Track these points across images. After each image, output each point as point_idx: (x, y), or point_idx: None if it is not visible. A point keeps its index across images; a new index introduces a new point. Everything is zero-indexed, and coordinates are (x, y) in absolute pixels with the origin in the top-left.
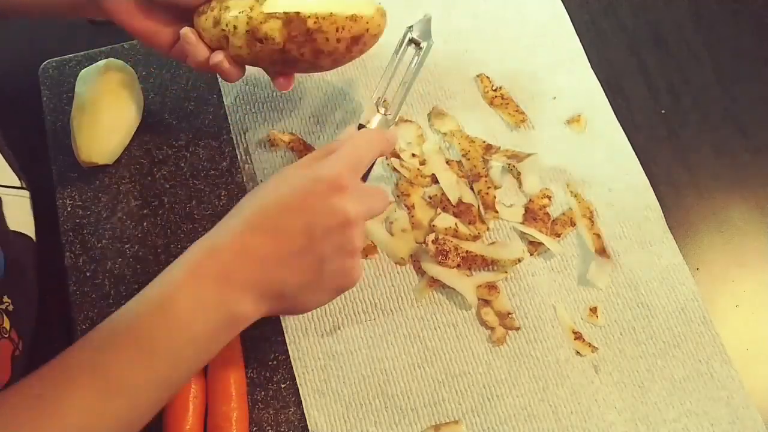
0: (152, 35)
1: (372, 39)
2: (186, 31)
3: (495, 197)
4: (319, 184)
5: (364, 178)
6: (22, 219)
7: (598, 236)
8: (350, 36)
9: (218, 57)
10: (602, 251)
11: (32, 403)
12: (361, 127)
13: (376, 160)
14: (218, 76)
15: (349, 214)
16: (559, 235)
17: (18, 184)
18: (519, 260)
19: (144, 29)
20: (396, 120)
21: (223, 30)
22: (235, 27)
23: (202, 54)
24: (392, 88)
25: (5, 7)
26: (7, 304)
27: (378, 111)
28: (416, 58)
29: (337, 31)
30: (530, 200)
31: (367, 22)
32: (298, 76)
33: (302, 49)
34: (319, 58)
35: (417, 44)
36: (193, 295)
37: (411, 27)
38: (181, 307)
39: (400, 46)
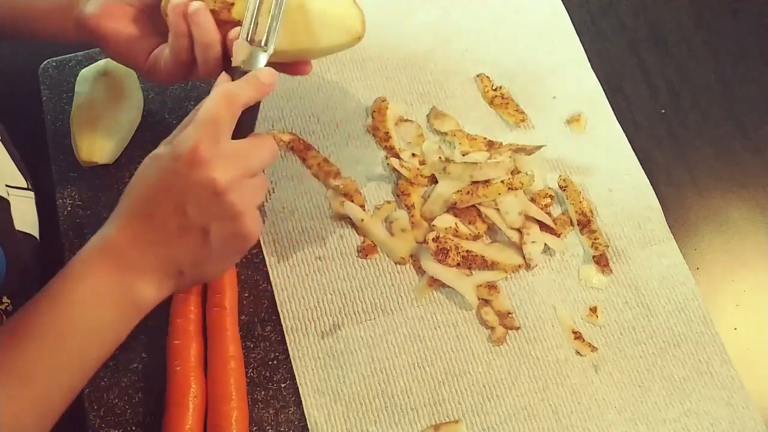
0: (133, 43)
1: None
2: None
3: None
4: (178, 162)
5: (250, 126)
6: (28, 219)
7: (598, 238)
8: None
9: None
10: (601, 259)
11: None
12: (233, 70)
13: (257, 102)
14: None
15: (217, 183)
16: (559, 235)
17: (25, 185)
18: (519, 266)
19: (127, 36)
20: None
21: None
22: None
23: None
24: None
25: None
26: (6, 304)
27: (251, 45)
28: None
29: None
30: (532, 199)
31: None
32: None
33: None
34: None
35: None
36: (92, 289)
37: None
38: (80, 299)
39: None
